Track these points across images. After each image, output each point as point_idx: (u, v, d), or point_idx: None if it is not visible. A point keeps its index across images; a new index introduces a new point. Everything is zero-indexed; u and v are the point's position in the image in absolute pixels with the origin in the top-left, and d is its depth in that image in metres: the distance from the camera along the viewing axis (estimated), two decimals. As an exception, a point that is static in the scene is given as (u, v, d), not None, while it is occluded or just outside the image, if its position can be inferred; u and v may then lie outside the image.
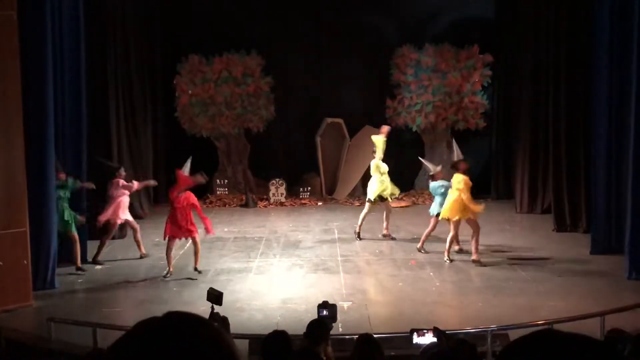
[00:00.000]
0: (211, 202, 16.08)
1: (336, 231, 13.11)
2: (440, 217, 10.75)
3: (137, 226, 11.52)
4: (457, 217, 10.53)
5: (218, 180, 16.67)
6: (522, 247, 11.62)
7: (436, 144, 16.55)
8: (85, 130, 11.05)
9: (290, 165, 16.68)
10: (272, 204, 15.97)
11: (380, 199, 12.20)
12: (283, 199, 16.04)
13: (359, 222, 12.30)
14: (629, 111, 9.84)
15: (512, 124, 15.38)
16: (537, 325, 7.24)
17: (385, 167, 12.21)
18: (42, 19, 9.63)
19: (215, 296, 5.76)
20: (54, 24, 10.05)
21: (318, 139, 16.39)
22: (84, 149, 11.02)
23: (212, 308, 5.60)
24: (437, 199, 11.07)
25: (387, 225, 12.33)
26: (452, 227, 10.62)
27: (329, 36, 16.63)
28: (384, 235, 12.30)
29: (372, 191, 12.17)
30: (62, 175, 10.31)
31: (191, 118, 16.11)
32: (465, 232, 10.92)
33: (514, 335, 7.21)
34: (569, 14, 12.83)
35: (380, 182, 12.12)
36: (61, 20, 10.41)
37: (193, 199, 10.28)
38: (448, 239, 10.69)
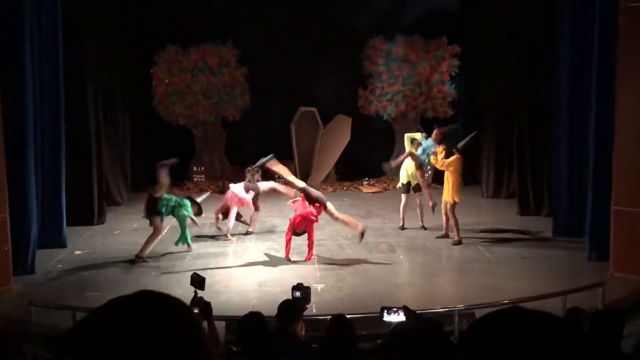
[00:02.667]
0: (188, 189, 16.00)
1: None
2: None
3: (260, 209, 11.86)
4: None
5: (195, 167, 16.60)
6: (488, 230, 11.73)
7: (406, 132, 16.58)
8: (63, 119, 10.89)
9: (266, 153, 16.59)
10: (248, 190, 15.90)
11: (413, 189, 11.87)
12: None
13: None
14: (590, 98, 9.96)
15: (479, 113, 15.48)
16: (503, 304, 7.32)
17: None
18: (20, 12, 9.46)
19: (198, 281, 5.72)
20: (31, 17, 9.88)
21: (293, 127, 16.36)
22: (61, 138, 10.87)
23: (195, 292, 5.56)
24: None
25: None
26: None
27: (304, 28, 16.55)
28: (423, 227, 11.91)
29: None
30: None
31: (168, 107, 16.00)
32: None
33: (480, 314, 7.28)
34: (531, 5, 12.93)
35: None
36: (39, 12, 10.22)
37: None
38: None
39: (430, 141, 11.40)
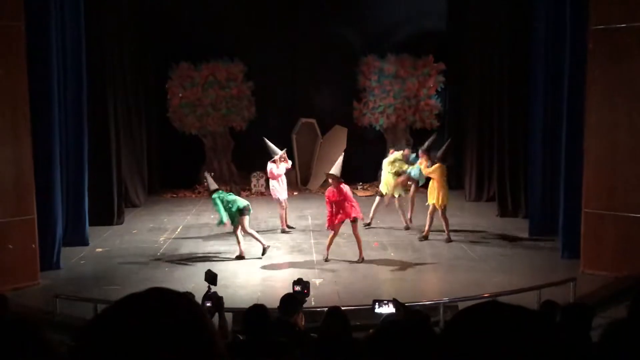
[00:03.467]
0: (199, 192, 15.98)
1: (310, 218, 13.09)
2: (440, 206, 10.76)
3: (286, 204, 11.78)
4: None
5: (205, 173, 16.57)
6: (470, 230, 11.72)
7: (396, 141, 16.64)
8: (86, 128, 10.90)
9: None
10: (253, 194, 15.92)
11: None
12: (263, 189, 15.97)
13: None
14: (562, 112, 9.98)
15: (462, 124, 15.49)
16: (483, 298, 7.32)
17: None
18: (48, 31, 9.47)
19: (211, 277, 5.69)
20: (57, 35, 9.89)
21: (294, 137, 16.36)
22: (84, 145, 10.88)
23: (209, 288, 5.52)
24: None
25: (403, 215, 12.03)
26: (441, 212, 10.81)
27: (304, 46, 16.60)
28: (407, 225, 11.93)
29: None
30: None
31: (181, 118, 15.99)
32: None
33: (463, 307, 7.27)
34: (511, 28, 12.96)
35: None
36: (64, 31, 10.24)
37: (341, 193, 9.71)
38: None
39: (416, 168, 11.44)
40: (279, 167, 11.66)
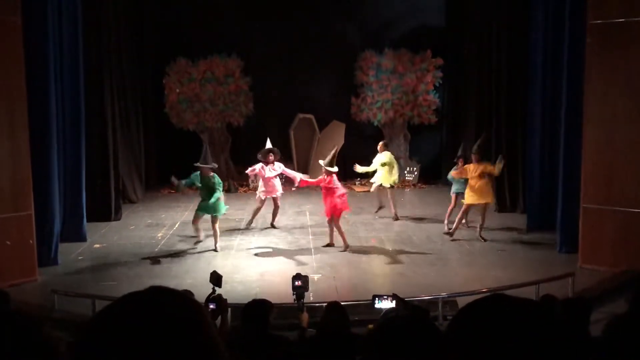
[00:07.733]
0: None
1: (308, 213, 13.09)
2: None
3: (279, 204, 11.87)
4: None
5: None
6: (469, 226, 11.71)
7: (394, 137, 16.63)
8: (84, 123, 10.87)
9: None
10: (251, 190, 15.90)
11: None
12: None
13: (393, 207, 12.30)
14: (560, 107, 9.98)
15: (460, 119, 15.48)
16: (482, 292, 7.33)
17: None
18: (44, 25, 9.44)
19: (215, 278, 5.63)
20: (54, 29, 9.86)
21: (291, 133, 16.35)
22: (82, 141, 10.85)
23: (213, 290, 5.44)
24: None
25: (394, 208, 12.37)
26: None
27: (302, 41, 16.57)
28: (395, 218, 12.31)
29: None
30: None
31: (179, 113, 15.97)
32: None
33: (462, 301, 7.29)
34: (509, 23, 12.94)
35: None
36: (61, 26, 10.21)
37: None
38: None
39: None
40: (265, 168, 11.52)
